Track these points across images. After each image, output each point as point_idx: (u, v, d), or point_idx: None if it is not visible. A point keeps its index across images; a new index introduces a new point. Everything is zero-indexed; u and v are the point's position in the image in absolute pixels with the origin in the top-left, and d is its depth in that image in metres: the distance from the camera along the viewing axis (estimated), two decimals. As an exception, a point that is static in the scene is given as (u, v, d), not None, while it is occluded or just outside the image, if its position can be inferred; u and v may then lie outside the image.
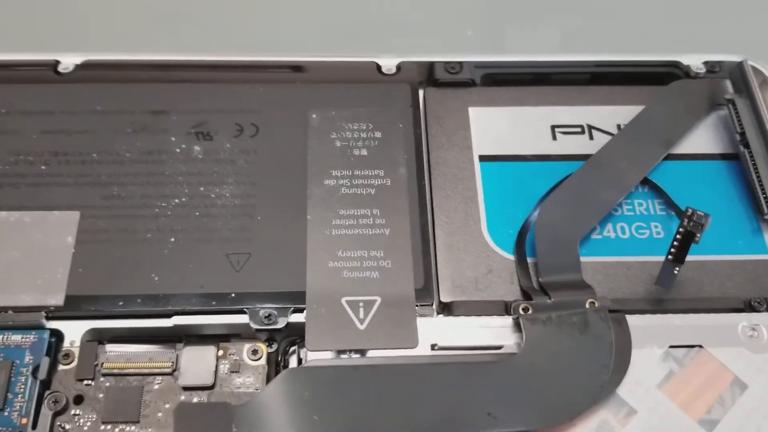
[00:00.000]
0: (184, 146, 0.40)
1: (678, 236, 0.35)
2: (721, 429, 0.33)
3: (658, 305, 0.36)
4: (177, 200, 0.38)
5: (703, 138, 0.43)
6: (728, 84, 0.44)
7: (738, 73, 0.43)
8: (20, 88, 0.42)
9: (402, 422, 0.31)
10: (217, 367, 0.35)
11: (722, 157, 0.42)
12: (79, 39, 0.58)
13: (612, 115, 0.43)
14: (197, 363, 0.35)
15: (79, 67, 0.43)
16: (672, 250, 0.35)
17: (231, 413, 0.29)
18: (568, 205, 0.39)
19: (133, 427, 0.33)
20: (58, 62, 0.43)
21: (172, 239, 0.37)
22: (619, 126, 0.42)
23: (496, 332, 0.35)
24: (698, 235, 0.34)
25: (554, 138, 0.42)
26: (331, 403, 0.31)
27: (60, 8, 0.61)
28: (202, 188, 0.39)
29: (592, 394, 0.33)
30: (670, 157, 0.42)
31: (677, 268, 0.35)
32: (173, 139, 0.40)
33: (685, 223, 0.34)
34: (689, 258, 0.37)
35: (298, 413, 0.30)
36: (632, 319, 0.35)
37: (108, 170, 0.39)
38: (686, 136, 0.42)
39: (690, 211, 0.34)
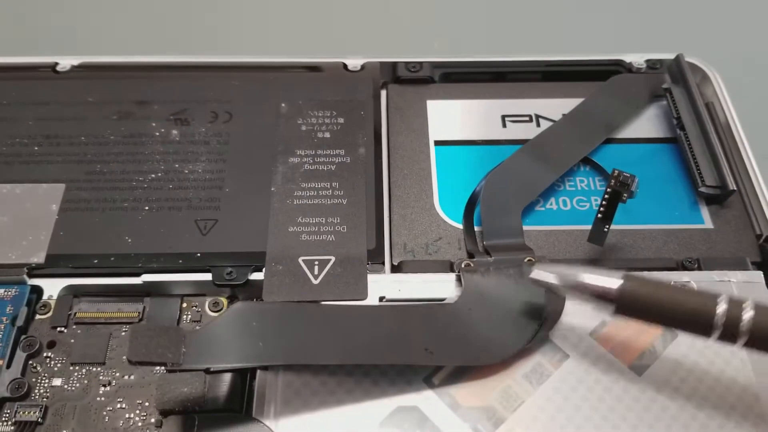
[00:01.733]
0: (163, 130, 0.44)
1: (606, 195, 0.37)
2: (651, 373, 0.35)
3: (594, 264, 0.39)
4: (153, 175, 0.42)
5: (644, 125, 0.46)
6: (667, 77, 0.47)
7: (675, 67, 0.47)
8: (21, 84, 0.46)
9: (342, 352, 0.33)
10: (180, 317, 0.37)
11: (661, 141, 0.45)
12: (78, 44, 0.63)
13: (559, 106, 0.46)
14: (162, 313, 0.37)
15: (75, 68, 0.48)
16: (601, 209, 0.37)
17: (182, 336, 0.32)
18: (512, 178, 0.41)
19: (99, 368, 0.36)
20: (56, 63, 0.48)
21: (147, 208, 0.40)
22: (563, 115, 0.45)
23: (440, 287, 0.38)
24: (624, 194, 0.37)
25: (504, 126, 0.45)
26: (276, 332, 0.33)
27: (60, 16, 0.67)
28: (177, 165, 0.42)
29: (524, 336, 0.35)
30: (613, 141, 0.44)
31: (607, 227, 0.38)
32: (154, 124, 0.44)
33: (612, 183, 0.37)
34: (628, 227, 0.40)
35: (245, 341, 0.33)
36: None
37: (93, 150, 0.43)
38: (628, 124, 0.45)
39: (616, 172, 0.37)
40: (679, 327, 0.31)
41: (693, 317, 0.31)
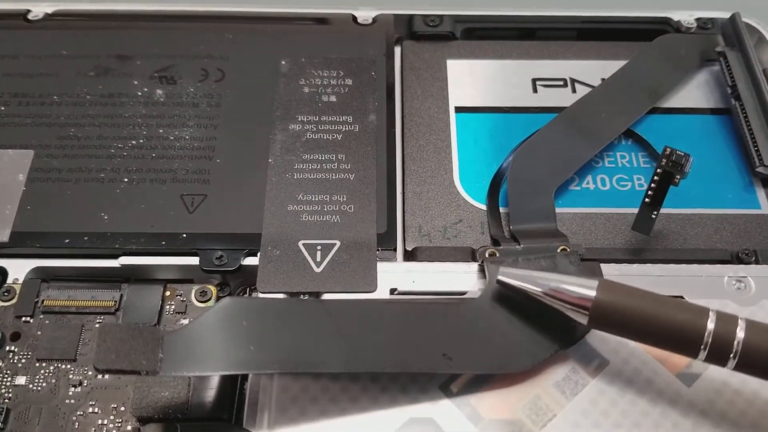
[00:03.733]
0: (146, 90, 0.39)
1: (655, 177, 0.32)
2: (701, 385, 0.31)
3: (636, 255, 0.34)
4: (134, 141, 0.37)
5: (692, 93, 0.41)
6: (720, 39, 0.42)
7: (730, 28, 0.41)
8: (-12, 34, 0.41)
9: (346, 358, 0.29)
10: (162, 307, 0.33)
11: (712, 111, 0.40)
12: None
13: (597, 69, 0.41)
14: (141, 302, 0.33)
15: (49, 16, 0.42)
16: (649, 192, 0.33)
17: (159, 338, 0.27)
18: (543, 154, 0.37)
19: (69, 365, 0.31)
20: (28, 11, 0.43)
21: (126, 179, 0.36)
22: (603, 80, 0.40)
23: (460, 278, 0.33)
24: (677, 176, 0.32)
25: (535, 91, 0.40)
26: (271, 334, 0.29)
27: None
28: (161, 130, 0.37)
29: (557, 342, 0.30)
30: (657, 111, 0.40)
31: (655, 213, 0.33)
32: (136, 83, 0.39)
33: (663, 163, 0.32)
34: (675, 211, 0.36)
35: (234, 343, 0.28)
36: (607, 268, 0.33)
37: (66, 112, 0.38)
38: (674, 90, 0.41)
39: (668, 150, 0.32)
40: (660, 344, 0.28)
41: (678, 335, 0.28)
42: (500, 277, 0.30)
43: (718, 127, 0.39)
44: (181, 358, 0.27)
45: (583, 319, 0.28)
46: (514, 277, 0.30)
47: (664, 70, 0.40)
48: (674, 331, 0.27)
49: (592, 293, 0.28)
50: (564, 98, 0.40)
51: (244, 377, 0.30)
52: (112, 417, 0.30)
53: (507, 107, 0.40)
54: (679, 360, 0.31)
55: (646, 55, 0.41)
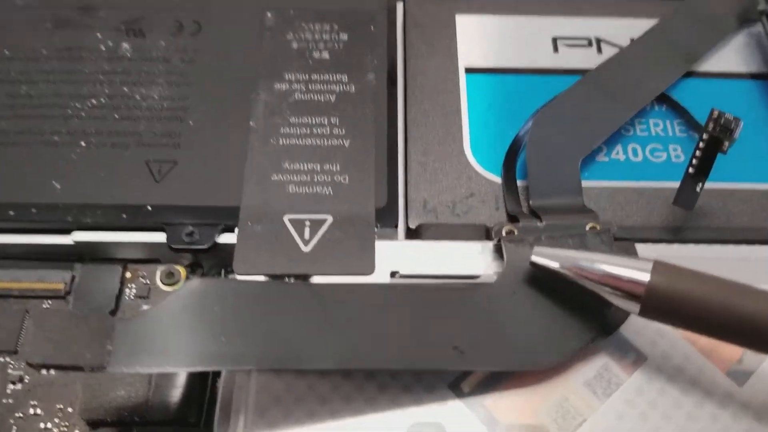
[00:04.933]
0: (110, 44, 0.34)
1: (701, 144, 0.28)
2: (755, 384, 0.26)
3: (674, 234, 0.30)
4: (94, 101, 0.32)
5: (732, 56, 0.37)
6: (762, -2, 0.38)
7: (775, -16, 0.37)
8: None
9: (339, 352, 0.24)
10: (121, 291, 0.29)
11: (753, 76, 0.36)
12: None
13: (625, 28, 0.37)
14: (97, 285, 0.28)
15: (3, -38, 0.37)
16: (693, 161, 0.29)
17: (109, 327, 0.22)
18: (567, 120, 0.33)
19: (8, 358, 0.27)
20: (-21, -44, 0.37)
21: (83, 143, 0.31)
22: (632, 40, 0.36)
23: (472, 260, 0.29)
24: (726, 142, 0.28)
25: (556, 50, 0.36)
26: (248, 323, 0.24)
27: None
28: (125, 88, 0.33)
29: (586, 333, 0.26)
30: (692, 74, 0.36)
31: (700, 185, 0.29)
32: (99, 35, 0.35)
33: (711, 128, 0.28)
34: (717, 186, 0.32)
35: (202, 333, 0.23)
36: (643, 249, 0.29)
37: (18, 67, 0.34)
38: (712, 52, 0.37)
39: (717, 113, 0.28)
40: (727, 338, 0.24)
41: (752, 326, 0.23)
42: (534, 258, 0.26)
43: (759, 94, 0.35)
44: (135, 351, 0.22)
45: (633, 308, 0.24)
46: (552, 257, 0.26)
47: (701, 31, 0.36)
48: (748, 322, 0.23)
49: (646, 277, 0.24)
50: (588, 59, 0.36)
51: (216, 374, 0.26)
52: (56, 420, 0.26)
53: (524, 68, 0.35)
54: (729, 354, 0.27)
55: (681, 14, 0.37)
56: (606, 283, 0.24)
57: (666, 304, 0.24)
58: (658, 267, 0.24)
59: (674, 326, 0.25)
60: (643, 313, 0.24)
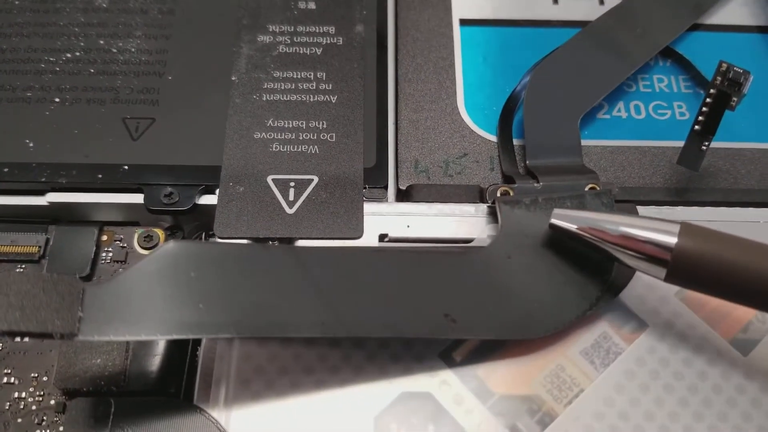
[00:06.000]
0: (85, -7, 0.32)
1: (708, 99, 0.26)
2: (761, 352, 0.25)
3: (679, 195, 0.29)
4: (68, 54, 0.31)
5: (741, 10, 0.35)
6: (776, -56, 0.35)
7: (789, -71, 0.35)
8: None
9: (324, 319, 0.23)
10: (97, 254, 0.27)
11: (760, 30, 0.34)
12: None
13: None
14: (72, 248, 0.27)
15: None
16: (699, 118, 0.27)
17: (79, 291, 0.21)
18: (566, 75, 0.31)
19: (-22, 326, 0.25)
20: None
21: (57, 99, 0.30)
22: (637, -10, 0.34)
23: (465, 222, 0.28)
24: (734, 98, 0.26)
25: (555, 2, 0.34)
26: (226, 288, 0.23)
27: None
28: (101, 41, 0.31)
29: (585, 300, 0.25)
30: (699, 27, 0.34)
31: (706, 144, 0.27)
32: (74, -16, 0.32)
33: (718, 82, 0.26)
34: (722, 145, 0.31)
35: (179, 299, 0.22)
36: (646, 211, 0.28)
37: (-13, 19, 0.31)
38: (720, 3, 0.35)
39: (725, 65, 0.26)
40: (759, 304, 0.23)
41: None
42: (554, 220, 0.24)
43: (766, 48, 0.33)
44: (108, 317, 0.21)
45: (659, 273, 0.23)
46: (573, 220, 0.24)
47: (709, -20, 0.34)
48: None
49: (673, 240, 0.22)
50: (590, 11, 0.34)
51: (197, 342, 0.25)
52: (31, 389, 0.25)
53: (522, 20, 0.34)
54: (732, 322, 0.26)
55: (688, -39, 0.34)
56: (629, 246, 0.23)
57: (694, 268, 0.22)
58: (686, 229, 0.23)
59: (700, 292, 0.24)
60: (670, 278, 0.23)
